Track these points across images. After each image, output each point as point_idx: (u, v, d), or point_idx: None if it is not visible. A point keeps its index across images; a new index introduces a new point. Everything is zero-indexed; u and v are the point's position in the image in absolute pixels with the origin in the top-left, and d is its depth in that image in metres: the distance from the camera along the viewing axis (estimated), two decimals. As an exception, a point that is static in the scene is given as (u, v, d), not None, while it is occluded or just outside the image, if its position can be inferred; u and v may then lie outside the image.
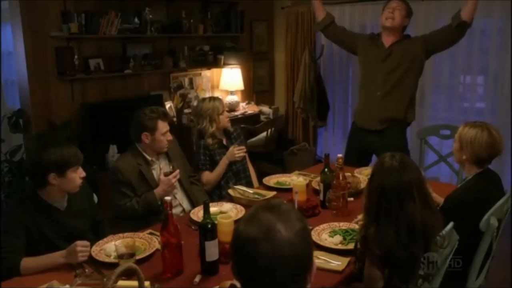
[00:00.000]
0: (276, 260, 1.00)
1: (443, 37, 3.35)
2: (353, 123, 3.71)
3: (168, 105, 4.79)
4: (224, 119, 3.10)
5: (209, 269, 1.87)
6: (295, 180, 2.71)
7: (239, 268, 1.06)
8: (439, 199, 2.27)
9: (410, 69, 3.35)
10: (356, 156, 3.50)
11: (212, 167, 3.05)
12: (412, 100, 3.46)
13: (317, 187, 2.67)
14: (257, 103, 5.64)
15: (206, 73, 5.31)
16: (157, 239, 2.10)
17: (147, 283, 1.67)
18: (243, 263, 1.04)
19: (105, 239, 2.14)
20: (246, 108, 5.45)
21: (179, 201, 2.75)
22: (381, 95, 3.37)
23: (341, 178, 2.40)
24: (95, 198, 2.49)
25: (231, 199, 2.67)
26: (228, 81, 5.32)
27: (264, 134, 5.10)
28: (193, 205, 2.73)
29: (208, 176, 3.04)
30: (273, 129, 5.16)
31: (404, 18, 3.35)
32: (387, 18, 3.34)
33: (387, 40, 3.40)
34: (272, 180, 2.97)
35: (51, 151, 2.04)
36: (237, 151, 3.03)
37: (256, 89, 5.83)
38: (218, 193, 3.06)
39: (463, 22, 3.18)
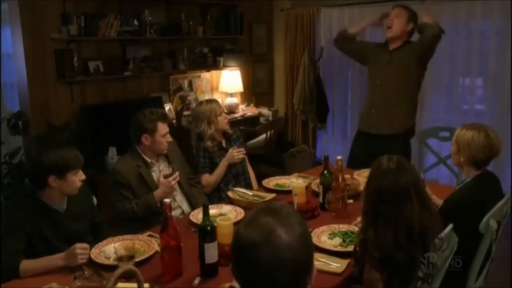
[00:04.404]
0: (276, 264, 1.00)
1: (422, 39, 3.36)
2: (358, 130, 3.74)
3: (167, 107, 4.79)
4: (223, 121, 3.10)
5: (209, 271, 1.87)
6: (295, 182, 2.71)
7: (239, 271, 1.06)
8: (438, 201, 2.27)
9: (407, 75, 3.39)
10: (360, 161, 3.46)
11: (211, 170, 3.05)
12: (411, 106, 3.51)
13: (317, 189, 2.67)
14: (257, 105, 5.64)
15: (206, 75, 5.31)
16: (156, 241, 2.10)
17: (146, 285, 1.67)
18: (243, 267, 1.04)
19: (104, 241, 2.14)
20: (245, 110, 5.46)
21: (178, 203, 2.75)
22: (380, 101, 3.42)
23: (340, 180, 2.40)
24: (95, 200, 2.49)
25: (230, 201, 2.67)
26: (227, 83, 5.33)
27: (263, 136, 5.10)
28: (193, 207, 2.73)
29: (208, 179, 3.04)
30: (272, 131, 5.16)
31: (406, 23, 3.39)
32: (387, 28, 3.43)
33: (392, 46, 3.47)
34: (271, 182, 2.97)
35: (51, 153, 2.04)
36: (236, 153, 3.03)
37: (255, 91, 5.83)
38: (218, 195, 3.05)
39: (423, 24, 3.29)
